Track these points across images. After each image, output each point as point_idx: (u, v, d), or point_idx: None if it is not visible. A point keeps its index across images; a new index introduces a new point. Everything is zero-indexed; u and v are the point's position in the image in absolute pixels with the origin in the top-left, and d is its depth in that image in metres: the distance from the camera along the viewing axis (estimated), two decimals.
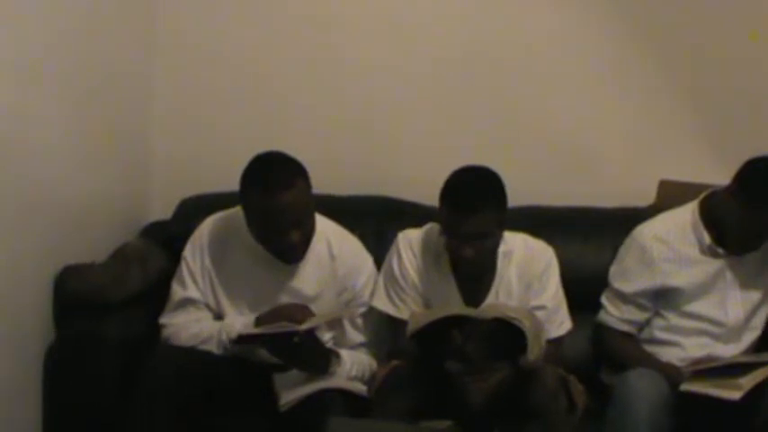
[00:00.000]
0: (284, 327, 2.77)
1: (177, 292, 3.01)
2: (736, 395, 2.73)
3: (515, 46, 3.63)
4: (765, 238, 2.98)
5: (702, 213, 3.07)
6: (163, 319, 3.01)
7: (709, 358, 3.01)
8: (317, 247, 2.99)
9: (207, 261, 3.00)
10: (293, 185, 2.81)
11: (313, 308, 2.91)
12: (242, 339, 2.81)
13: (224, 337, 2.89)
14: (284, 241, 2.85)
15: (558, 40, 3.64)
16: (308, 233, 2.92)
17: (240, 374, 2.89)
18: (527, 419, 2.69)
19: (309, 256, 2.98)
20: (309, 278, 2.99)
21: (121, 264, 3.13)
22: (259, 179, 2.84)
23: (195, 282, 3.00)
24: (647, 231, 3.12)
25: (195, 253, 3.02)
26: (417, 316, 2.72)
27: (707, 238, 3.05)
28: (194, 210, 3.35)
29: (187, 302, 2.99)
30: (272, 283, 2.98)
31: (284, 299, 2.96)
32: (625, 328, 3.13)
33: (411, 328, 2.65)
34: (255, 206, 2.85)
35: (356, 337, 3.03)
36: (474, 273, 2.93)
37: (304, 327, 2.76)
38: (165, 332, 2.98)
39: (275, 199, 2.79)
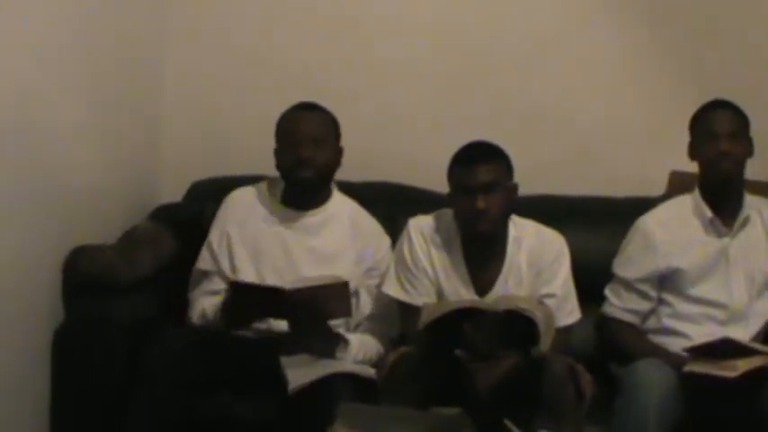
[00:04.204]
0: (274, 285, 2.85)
1: (197, 267, 3.09)
2: (732, 374, 2.75)
3: (528, 36, 3.63)
4: (724, 141, 3.05)
5: (701, 191, 3.12)
6: (188, 294, 3.10)
7: None
8: (339, 214, 3.10)
9: (227, 226, 3.08)
10: (319, 111, 3.07)
11: (330, 268, 2.98)
12: (235, 287, 2.85)
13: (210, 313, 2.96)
14: (297, 154, 2.98)
15: (571, 30, 3.64)
16: (321, 161, 3.02)
17: (248, 357, 2.90)
18: (535, 408, 2.69)
19: (331, 220, 3.08)
20: (329, 238, 3.07)
21: (131, 246, 3.13)
22: (294, 105, 3.08)
23: (211, 252, 3.07)
24: (648, 218, 3.16)
25: (216, 225, 3.11)
26: (430, 308, 2.73)
27: (708, 212, 3.09)
28: (205, 193, 3.37)
29: (201, 276, 3.08)
30: (291, 241, 3.05)
31: (303, 257, 3.03)
32: (628, 317, 3.14)
33: (423, 319, 2.65)
34: (282, 122, 3.07)
35: (368, 306, 3.07)
36: (484, 236, 2.92)
37: (290, 287, 2.81)
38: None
39: (298, 113, 3.06)
